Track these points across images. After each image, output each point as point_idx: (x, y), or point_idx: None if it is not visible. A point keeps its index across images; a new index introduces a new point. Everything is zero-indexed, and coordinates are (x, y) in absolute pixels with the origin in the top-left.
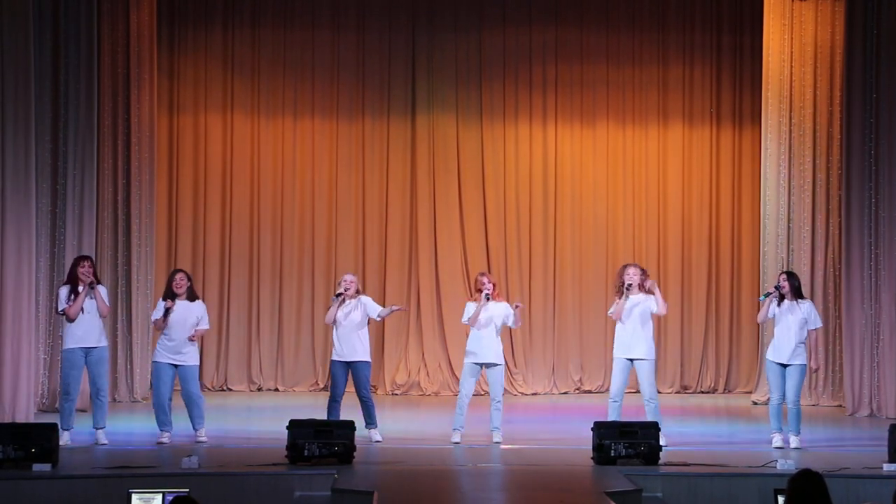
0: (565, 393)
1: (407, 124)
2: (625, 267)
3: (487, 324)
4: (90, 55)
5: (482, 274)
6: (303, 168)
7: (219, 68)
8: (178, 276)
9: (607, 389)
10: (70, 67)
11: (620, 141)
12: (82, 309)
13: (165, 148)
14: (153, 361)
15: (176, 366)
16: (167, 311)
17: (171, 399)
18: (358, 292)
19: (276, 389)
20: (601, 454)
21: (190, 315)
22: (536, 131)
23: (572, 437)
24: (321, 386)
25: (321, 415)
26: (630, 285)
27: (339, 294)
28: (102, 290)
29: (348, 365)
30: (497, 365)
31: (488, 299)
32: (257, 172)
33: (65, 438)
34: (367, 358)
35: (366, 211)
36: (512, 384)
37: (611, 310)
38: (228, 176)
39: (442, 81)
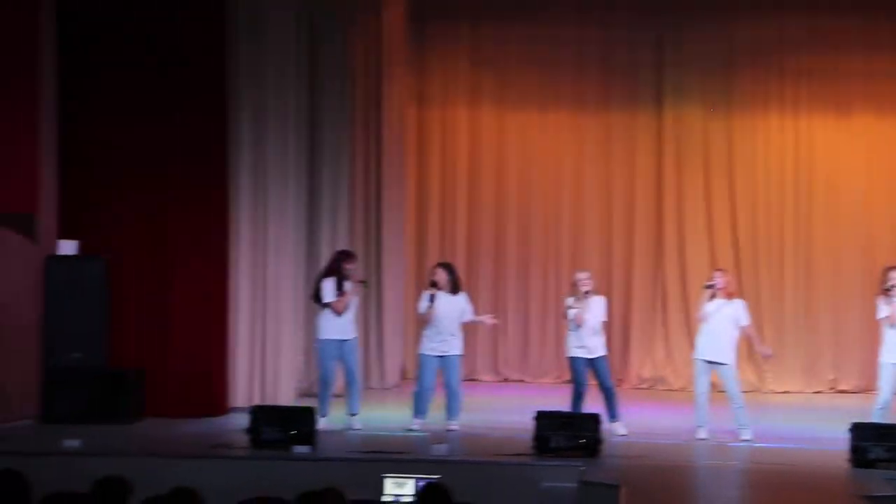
0: (818, 392)
1: (653, 116)
2: (889, 269)
3: (720, 321)
4: (343, 52)
5: (718, 270)
6: (547, 161)
7: (466, 62)
8: (438, 270)
9: (865, 390)
10: (325, 65)
11: (879, 132)
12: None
13: (414, 141)
14: (420, 354)
15: (441, 356)
16: (431, 300)
17: (433, 390)
18: (587, 293)
19: (522, 381)
20: (858, 457)
21: (454, 307)
22: (788, 122)
23: (826, 438)
24: (565, 379)
25: (565, 407)
26: None
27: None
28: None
29: (591, 362)
30: (723, 364)
31: (713, 296)
32: (503, 165)
33: (321, 424)
34: (604, 353)
35: (611, 203)
36: (762, 382)
37: (883, 313)
38: (475, 168)
39: (689, 72)
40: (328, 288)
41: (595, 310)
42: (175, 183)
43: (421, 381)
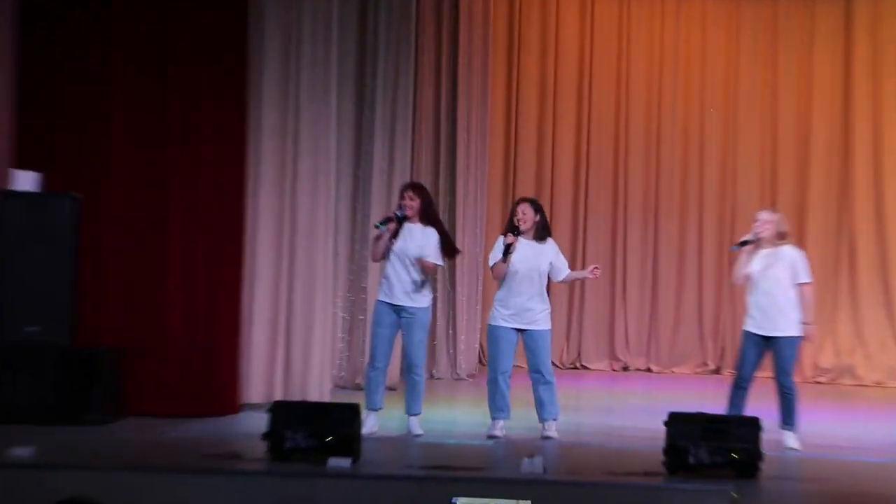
0: None
1: (840, 5)
2: None
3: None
4: None
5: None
6: (688, 65)
7: None
8: (522, 206)
9: None
10: None
11: None
12: (388, 251)
13: (504, 38)
14: (490, 325)
15: (522, 330)
16: (508, 249)
17: (509, 375)
18: (764, 238)
19: (649, 370)
20: None
21: (540, 259)
22: None
23: None
24: (712, 367)
25: (712, 405)
26: None
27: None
28: (430, 236)
29: (768, 342)
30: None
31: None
32: (625, 69)
33: (370, 423)
34: (797, 332)
35: (777, 124)
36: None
37: None
38: (587, 74)
39: None
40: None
41: (786, 266)
42: (175, 94)
43: (493, 365)
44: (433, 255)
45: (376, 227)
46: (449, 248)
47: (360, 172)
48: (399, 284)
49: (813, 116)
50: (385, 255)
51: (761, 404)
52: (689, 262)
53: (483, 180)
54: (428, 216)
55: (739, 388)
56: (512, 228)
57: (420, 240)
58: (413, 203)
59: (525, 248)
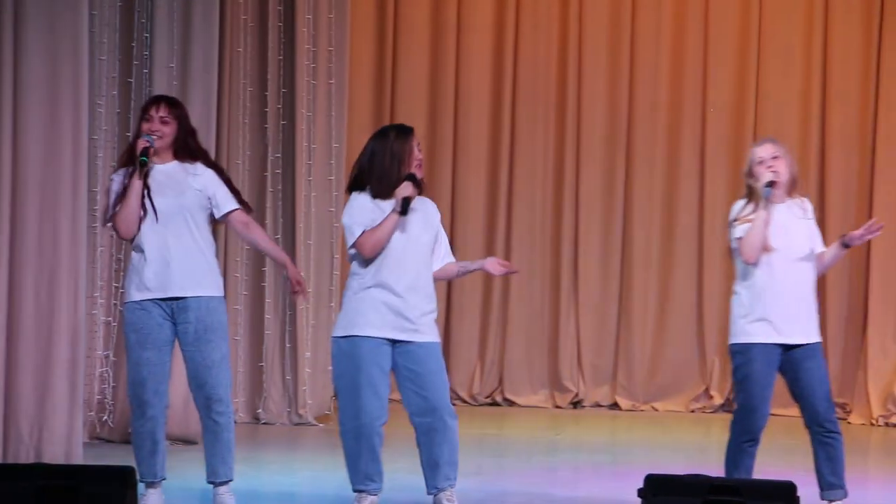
0: None
1: None
2: None
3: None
4: None
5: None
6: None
7: None
8: (416, 142)
9: None
10: None
11: None
12: (145, 211)
13: None
14: (334, 338)
15: (396, 342)
16: (407, 204)
17: (382, 421)
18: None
19: (615, 406)
20: None
21: (427, 228)
22: None
23: None
24: (718, 401)
25: (716, 462)
26: None
27: None
28: (207, 177)
29: (786, 354)
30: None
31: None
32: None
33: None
34: (818, 338)
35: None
36: None
37: None
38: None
39: None
40: (115, 188)
41: (795, 219)
42: None
43: (354, 403)
44: (235, 199)
45: (143, 163)
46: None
47: (136, 94)
48: (176, 264)
49: None
50: (140, 221)
51: (778, 459)
52: (682, 233)
53: (342, 119)
54: (193, 147)
55: (748, 438)
56: (409, 177)
57: (192, 183)
58: (167, 127)
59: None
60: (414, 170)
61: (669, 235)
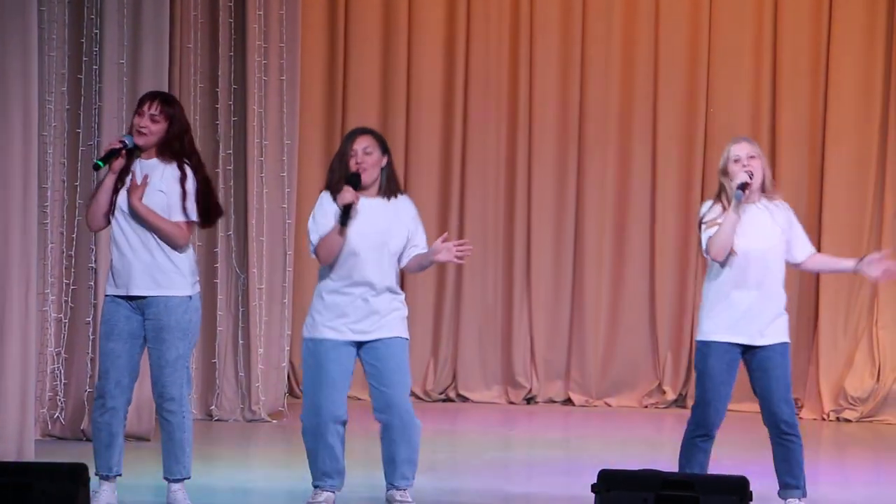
0: None
1: None
2: None
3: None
4: None
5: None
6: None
7: None
8: (363, 141)
9: None
10: None
11: None
12: (113, 209)
13: None
14: (308, 338)
15: (361, 343)
16: (347, 212)
17: (343, 420)
18: (749, 187)
19: (569, 402)
20: None
21: (392, 228)
22: None
23: None
24: (671, 396)
25: (669, 458)
26: None
27: None
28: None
29: (748, 354)
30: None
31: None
32: None
33: (104, 500)
34: (785, 339)
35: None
36: None
37: None
38: None
39: None
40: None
41: (768, 221)
42: None
43: (315, 401)
44: (182, 209)
45: (96, 166)
46: (210, 204)
47: (86, 90)
48: (137, 262)
49: None
50: (109, 216)
51: (734, 453)
52: (635, 230)
53: (294, 115)
54: (177, 149)
55: (703, 432)
56: (350, 178)
57: (158, 184)
58: (155, 126)
59: (368, 211)
60: (353, 169)
61: (621, 232)
